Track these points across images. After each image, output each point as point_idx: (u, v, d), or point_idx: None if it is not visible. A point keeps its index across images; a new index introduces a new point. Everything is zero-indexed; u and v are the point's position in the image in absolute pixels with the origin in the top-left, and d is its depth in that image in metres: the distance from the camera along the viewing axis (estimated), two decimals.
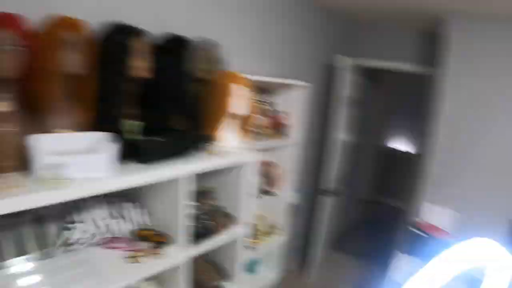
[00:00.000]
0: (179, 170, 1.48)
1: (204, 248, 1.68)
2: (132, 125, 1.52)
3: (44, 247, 1.46)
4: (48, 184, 1.09)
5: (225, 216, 1.83)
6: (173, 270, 1.62)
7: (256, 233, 2.51)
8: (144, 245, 1.58)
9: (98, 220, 1.61)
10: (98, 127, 1.38)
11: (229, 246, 1.95)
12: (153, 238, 1.63)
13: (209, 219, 1.79)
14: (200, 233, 1.68)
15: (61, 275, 1.37)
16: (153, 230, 1.70)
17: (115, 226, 1.64)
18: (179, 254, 1.59)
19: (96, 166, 1.25)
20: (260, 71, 2.28)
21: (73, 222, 1.57)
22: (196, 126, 1.78)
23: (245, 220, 1.88)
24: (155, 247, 1.59)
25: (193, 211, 1.75)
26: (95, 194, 1.22)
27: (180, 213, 1.55)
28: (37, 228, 1.48)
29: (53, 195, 1.09)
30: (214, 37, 1.80)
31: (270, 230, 2.60)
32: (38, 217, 1.50)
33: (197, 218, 1.77)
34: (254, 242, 2.41)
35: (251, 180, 1.83)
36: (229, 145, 1.80)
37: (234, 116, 1.83)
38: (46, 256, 1.47)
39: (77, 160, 1.21)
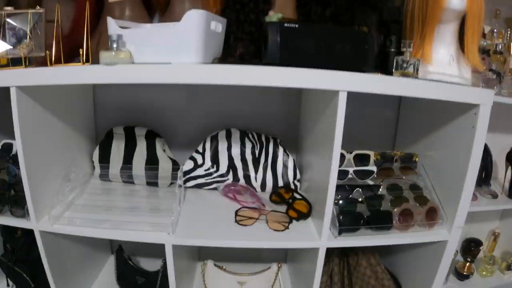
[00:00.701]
0: (336, 81, 0.78)
1: (351, 243, 0.95)
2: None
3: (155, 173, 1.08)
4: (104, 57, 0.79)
5: (423, 202, 1.00)
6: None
7: (485, 259, 1.51)
8: (275, 209, 1.02)
9: (233, 159, 1.13)
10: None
11: (422, 260, 1.11)
12: (293, 205, 1.02)
13: (390, 201, 1.01)
14: (359, 219, 0.94)
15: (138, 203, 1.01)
16: (296, 193, 1.08)
17: (252, 173, 1.12)
18: (308, 240, 0.94)
19: (181, 48, 0.79)
20: None
21: (198, 152, 1.14)
22: (385, 30, 1.02)
23: (461, 222, 0.99)
24: (287, 217, 0.97)
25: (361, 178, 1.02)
26: (157, 81, 0.80)
27: (332, 175, 0.85)
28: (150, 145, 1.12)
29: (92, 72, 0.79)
30: None
31: (504, 260, 1.52)
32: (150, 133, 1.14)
33: (367, 193, 1.02)
34: (471, 270, 1.43)
35: (480, 148, 0.91)
36: (442, 71, 0.94)
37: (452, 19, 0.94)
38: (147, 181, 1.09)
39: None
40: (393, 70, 0.90)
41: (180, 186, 1.02)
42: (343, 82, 0.78)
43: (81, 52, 0.85)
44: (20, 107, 0.85)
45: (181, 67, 0.76)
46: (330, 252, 1.17)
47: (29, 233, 0.96)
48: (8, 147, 1.06)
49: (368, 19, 1.01)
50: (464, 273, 1.41)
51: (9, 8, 0.90)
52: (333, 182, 0.84)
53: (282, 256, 1.37)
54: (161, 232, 0.90)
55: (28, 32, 0.89)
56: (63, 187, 0.98)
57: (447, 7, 0.91)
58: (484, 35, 1.24)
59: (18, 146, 0.87)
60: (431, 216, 0.99)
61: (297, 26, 0.83)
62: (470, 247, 1.48)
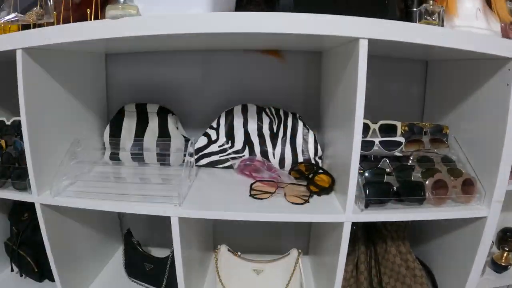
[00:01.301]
0: (356, 26, 0.71)
1: (380, 217, 0.84)
2: None
3: (165, 149, 1.03)
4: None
5: (457, 174, 0.90)
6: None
7: None
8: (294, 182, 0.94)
9: (249, 134, 1.06)
10: None
11: (458, 244, 1.00)
12: (314, 179, 0.94)
13: (421, 172, 0.91)
14: (387, 190, 0.85)
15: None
16: (316, 167, 1.00)
17: (269, 148, 1.05)
18: (330, 213, 0.84)
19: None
20: None
21: (212, 128, 1.08)
22: None
23: (500, 195, 0.88)
24: (307, 191, 0.90)
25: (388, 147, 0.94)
26: (165, 32, 0.72)
27: (356, 132, 0.77)
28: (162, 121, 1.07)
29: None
30: None
31: None
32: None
33: (396, 164, 0.93)
34: (510, 260, 1.29)
35: None
36: (469, 24, 0.87)
37: None
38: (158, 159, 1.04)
39: None
40: (417, 22, 0.83)
41: (191, 155, 0.95)
42: (364, 28, 0.71)
43: (88, 12, 0.82)
44: (26, 72, 0.82)
45: (191, 16, 0.71)
46: (355, 239, 1.07)
47: (36, 216, 0.90)
48: (18, 125, 1.03)
49: None
50: (502, 264, 1.28)
51: None
52: (357, 140, 0.76)
53: (303, 246, 1.28)
54: (167, 204, 0.84)
55: None
56: (67, 159, 0.94)
57: None
58: None
59: (22, 114, 0.83)
60: (467, 189, 0.89)
61: None
62: (506, 237, 1.35)
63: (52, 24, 0.86)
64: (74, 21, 0.82)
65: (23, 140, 0.86)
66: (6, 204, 1.15)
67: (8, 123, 1.04)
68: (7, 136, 1.02)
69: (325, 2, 0.77)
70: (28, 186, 0.87)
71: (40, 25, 0.87)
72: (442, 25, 0.83)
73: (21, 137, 0.91)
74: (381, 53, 1.00)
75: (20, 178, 0.90)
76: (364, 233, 1.06)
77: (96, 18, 0.80)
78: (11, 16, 0.90)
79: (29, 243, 1.05)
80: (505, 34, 0.95)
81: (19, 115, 0.85)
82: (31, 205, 0.89)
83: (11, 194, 0.91)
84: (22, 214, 1.08)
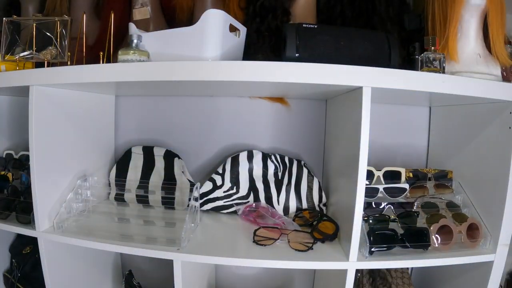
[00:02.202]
0: (359, 76, 0.73)
1: (384, 264, 0.82)
2: None
3: (170, 192, 1.03)
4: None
5: (462, 219, 0.89)
6: None
7: None
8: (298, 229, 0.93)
9: (254, 181, 1.07)
10: None
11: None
12: (317, 226, 0.93)
13: (426, 218, 0.90)
14: (392, 236, 0.84)
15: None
16: (320, 214, 1.00)
17: (274, 195, 1.06)
18: (334, 260, 0.82)
19: (198, 47, 0.77)
20: None
21: (217, 174, 1.08)
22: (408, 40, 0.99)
23: (507, 238, 0.87)
24: (311, 238, 0.90)
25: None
26: (174, 78, 0.73)
27: (360, 178, 0.77)
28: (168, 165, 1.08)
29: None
30: None
31: None
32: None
33: (400, 211, 0.92)
34: None
35: None
36: (470, 69, 0.89)
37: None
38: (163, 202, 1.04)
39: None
40: (419, 69, 0.85)
41: (196, 199, 0.95)
42: (366, 76, 0.73)
43: (101, 55, 0.85)
44: (37, 108, 0.85)
45: (199, 64, 0.73)
46: (360, 286, 1.04)
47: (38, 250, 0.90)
48: (26, 159, 1.05)
49: (389, 30, 0.99)
50: None
51: (38, 15, 0.93)
52: (361, 187, 0.76)
53: None
54: (170, 247, 0.83)
55: (54, 38, 0.92)
56: (73, 196, 0.94)
57: (467, 2, 0.89)
58: (510, 42, 1.19)
59: (30, 149, 0.85)
60: (473, 234, 0.88)
61: (315, 26, 0.81)
62: None
63: (65, 64, 0.89)
64: (87, 62, 0.85)
65: (29, 175, 0.86)
66: (7, 236, 1.14)
67: (16, 156, 1.06)
68: (14, 169, 1.03)
69: (328, 51, 0.79)
70: (32, 220, 0.87)
71: (54, 64, 0.91)
72: (443, 72, 0.85)
73: (28, 171, 0.92)
74: (384, 99, 1.01)
75: (24, 212, 0.90)
76: (369, 280, 1.04)
77: (108, 61, 0.83)
78: (26, 53, 0.94)
79: (28, 278, 1.04)
80: (505, 77, 0.97)
81: (27, 150, 0.87)
82: (33, 239, 0.89)
83: (14, 228, 0.91)
84: (24, 247, 1.08)
